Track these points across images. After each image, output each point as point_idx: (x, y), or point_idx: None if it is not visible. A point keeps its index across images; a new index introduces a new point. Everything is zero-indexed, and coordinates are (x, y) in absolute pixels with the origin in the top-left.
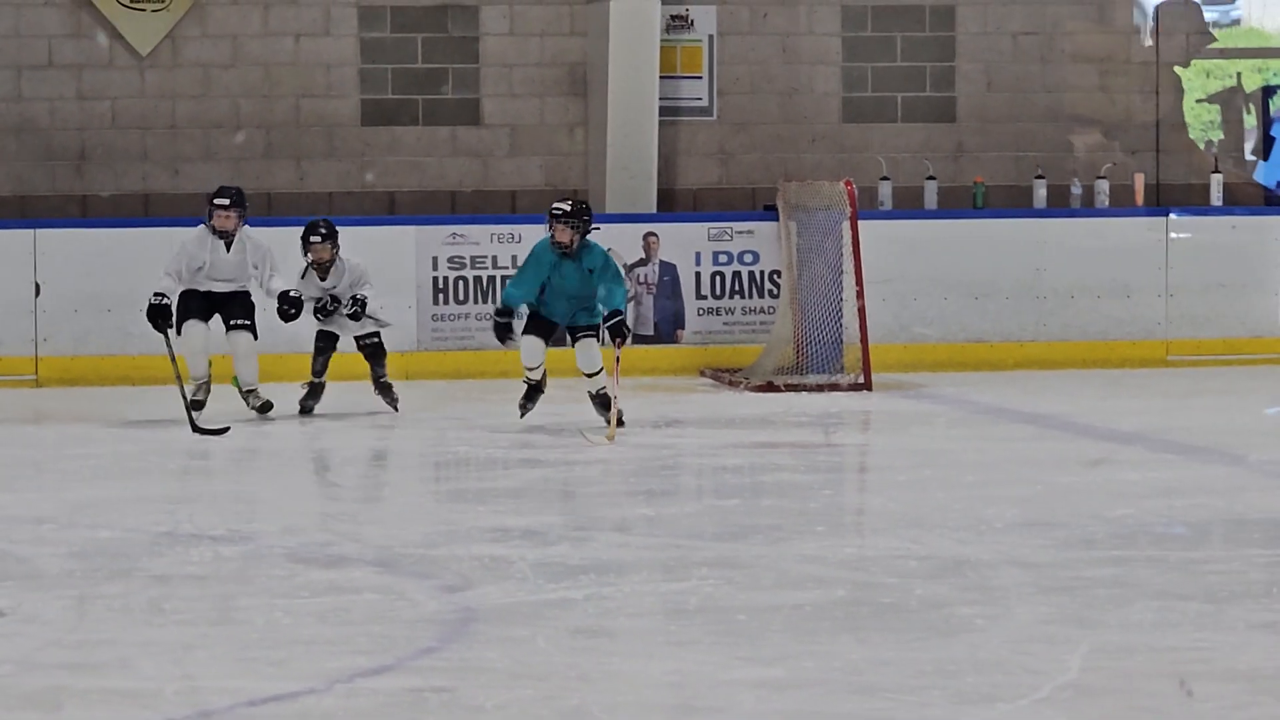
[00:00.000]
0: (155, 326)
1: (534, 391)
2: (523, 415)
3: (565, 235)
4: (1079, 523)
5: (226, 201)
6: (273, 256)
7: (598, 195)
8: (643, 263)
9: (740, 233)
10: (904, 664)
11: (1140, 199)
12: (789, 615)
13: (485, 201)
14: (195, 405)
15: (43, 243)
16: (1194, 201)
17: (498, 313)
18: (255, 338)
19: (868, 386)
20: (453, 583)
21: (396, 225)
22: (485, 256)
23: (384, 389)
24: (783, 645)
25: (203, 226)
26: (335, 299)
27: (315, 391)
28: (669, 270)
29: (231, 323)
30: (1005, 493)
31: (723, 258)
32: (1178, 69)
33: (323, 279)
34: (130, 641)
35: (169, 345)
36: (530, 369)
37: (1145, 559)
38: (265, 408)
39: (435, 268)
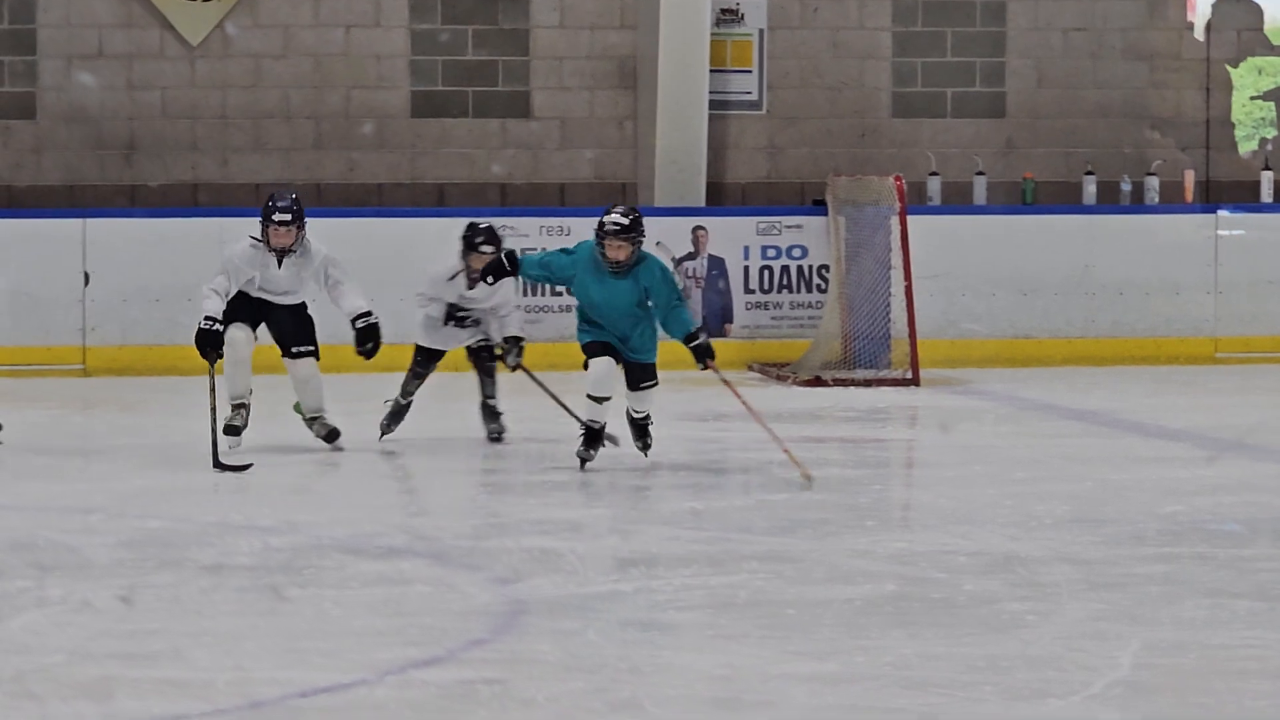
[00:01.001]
0: (204, 355)
1: (597, 435)
2: (584, 466)
3: (623, 253)
4: (1129, 519)
5: (289, 218)
6: (340, 264)
7: (646, 188)
8: (691, 256)
9: (789, 227)
10: (955, 659)
11: (1190, 196)
12: (839, 610)
13: (535, 194)
14: (231, 430)
15: (92, 232)
16: (1244, 199)
17: (508, 256)
18: (318, 359)
19: (915, 382)
20: (503, 575)
21: (446, 217)
22: (535, 249)
23: (491, 414)
24: (833, 640)
25: (250, 240)
26: (474, 321)
27: (399, 414)
28: (717, 264)
29: (293, 350)
30: (1054, 489)
31: (771, 252)
32: (1229, 66)
33: (470, 288)
34: (181, 632)
35: (212, 376)
36: (597, 399)
37: (1195, 556)
38: (332, 435)
39: None
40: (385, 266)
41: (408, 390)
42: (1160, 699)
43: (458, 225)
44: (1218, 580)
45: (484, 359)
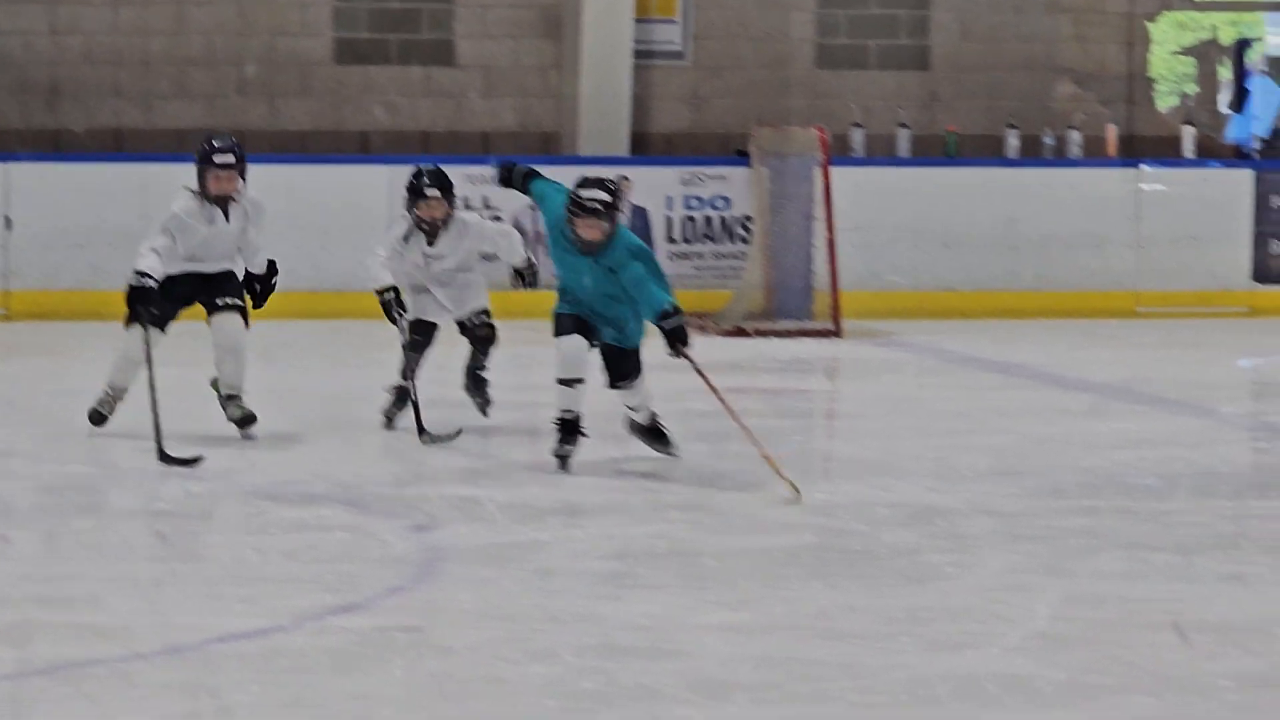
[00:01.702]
0: (134, 314)
1: (572, 428)
2: (564, 465)
3: (597, 232)
4: (1049, 472)
5: (230, 159)
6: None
7: (570, 138)
8: None
9: (712, 178)
10: (874, 610)
11: (1112, 150)
12: (758, 560)
13: (457, 142)
14: (95, 417)
15: (15, 177)
16: (1166, 154)
17: (505, 168)
18: (247, 325)
19: (837, 333)
20: (422, 523)
21: (369, 165)
22: (457, 197)
23: (479, 385)
24: (752, 590)
25: (189, 193)
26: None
27: (403, 397)
28: (640, 214)
29: (219, 302)
30: (975, 441)
31: (694, 202)
32: (1148, 22)
33: (430, 243)
34: (99, 577)
35: (146, 343)
36: (567, 382)
37: (1115, 509)
38: (247, 420)
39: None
40: (308, 214)
41: (407, 370)
42: (1077, 651)
43: (380, 173)
44: (1136, 534)
45: (478, 329)
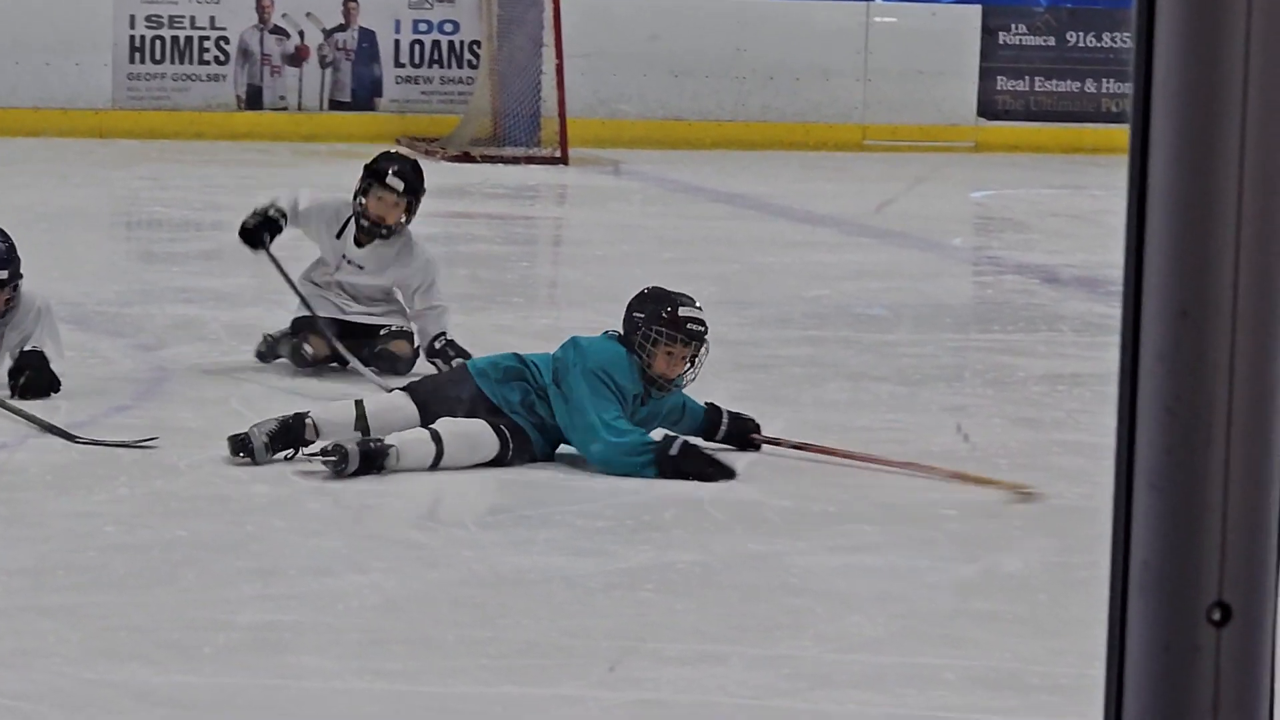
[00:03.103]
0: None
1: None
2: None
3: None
4: (775, 302)
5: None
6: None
7: None
8: (342, 28)
9: (441, 1)
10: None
11: None
12: None
13: None
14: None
15: None
16: None
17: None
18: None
19: (564, 160)
20: (147, 342)
21: None
22: (183, 16)
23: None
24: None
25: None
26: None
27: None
28: (368, 37)
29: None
30: (702, 270)
31: (422, 26)
32: None
33: (359, 245)
34: None
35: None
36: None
37: (840, 340)
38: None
39: (133, 26)
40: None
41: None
42: (803, 480)
43: None
44: (861, 364)
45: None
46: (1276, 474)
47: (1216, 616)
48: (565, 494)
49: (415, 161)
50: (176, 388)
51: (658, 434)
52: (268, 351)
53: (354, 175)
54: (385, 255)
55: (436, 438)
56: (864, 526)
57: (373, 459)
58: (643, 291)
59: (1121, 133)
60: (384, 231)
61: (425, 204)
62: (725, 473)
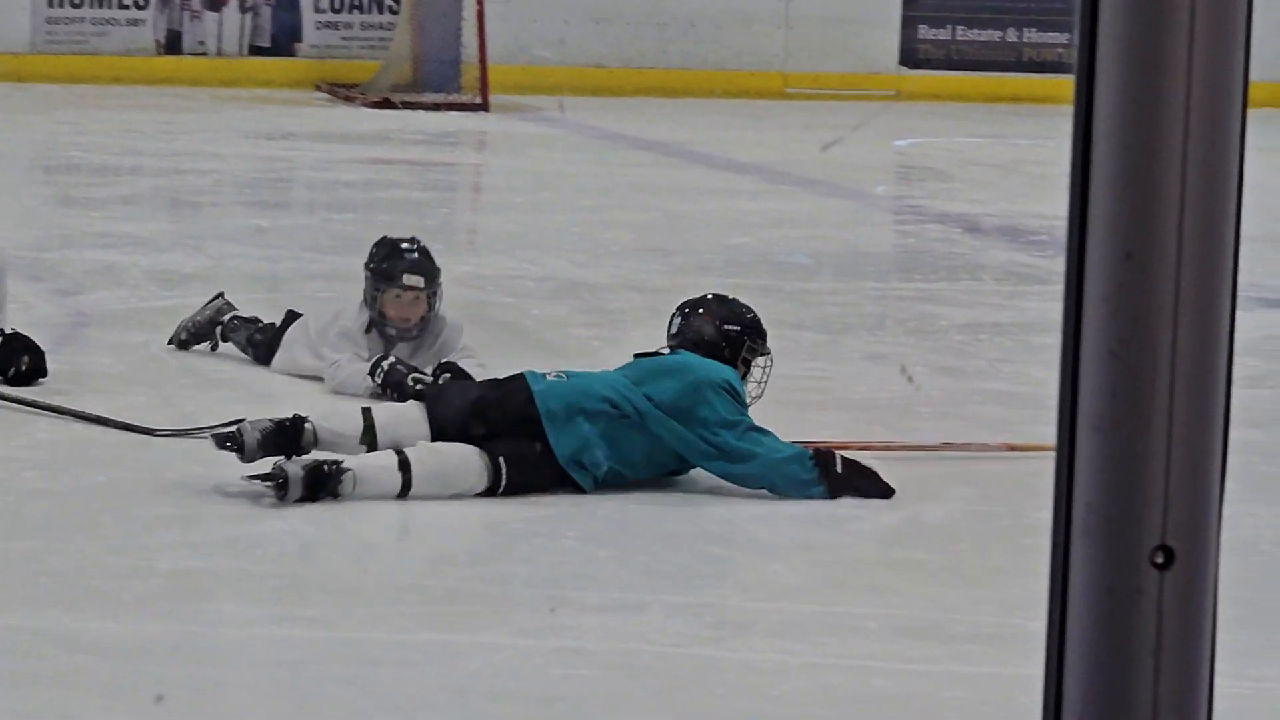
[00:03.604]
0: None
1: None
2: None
3: None
4: (695, 249)
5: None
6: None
7: None
8: None
9: None
10: None
11: None
12: None
13: None
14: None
15: None
16: None
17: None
18: None
19: (485, 107)
20: (65, 287)
21: None
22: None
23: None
24: None
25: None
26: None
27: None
28: None
29: None
30: (623, 217)
31: None
32: None
33: (388, 345)
34: None
35: None
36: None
37: (761, 287)
38: None
39: None
40: None
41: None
42: None
43: None
44: (783, 312)
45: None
46: (1220, 417)
47: (1159, 560)
48: None
49: (421, 244)
50: (96, 333)
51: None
52: (189, 339)
53: (274, 122)
54: (423, 351)
55: (405, 466)
56: None
57: (322, 484)
58: (723, 301)
59: (1042, 82)
60: (412, 333)
61: (345, 150)
62: (885, 490)
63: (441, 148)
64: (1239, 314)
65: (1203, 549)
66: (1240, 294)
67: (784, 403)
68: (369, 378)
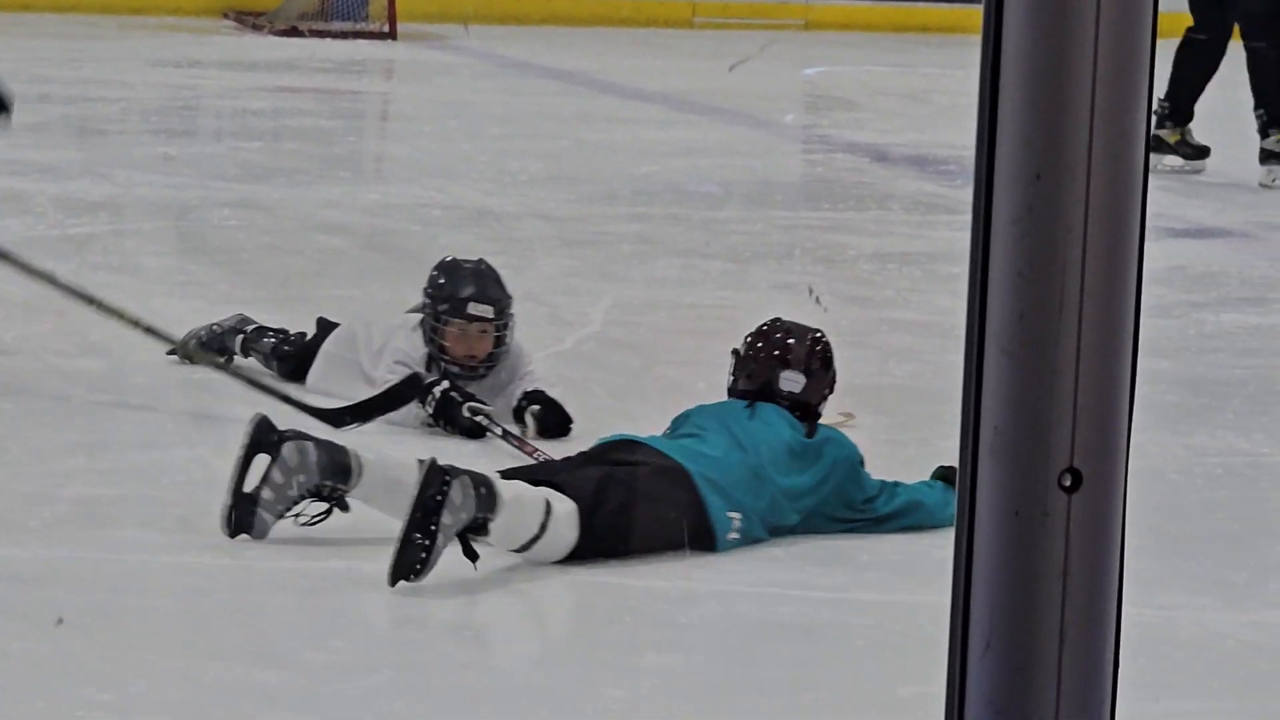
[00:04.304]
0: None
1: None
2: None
3: None
4: (603, 179)
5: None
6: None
7: None
8: None
9: None
10: None
11: None
12: (311, 259)
13: None
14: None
15: None
16: None
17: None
18: None
19: (393, 35)
20: None
21: None
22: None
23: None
24: (305, 288)
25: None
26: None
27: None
28: None
29: None
30: (530, 146)
31: None
32: None
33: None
34: None
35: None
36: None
37: (669, 217)
38: None
39: None
40: None
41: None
42: (629, 354)
43: None
44: (690, 240)
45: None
46: (1129, 340)
47: (1067, 482)
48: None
49: (487, 265)
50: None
51: None
52: (200, 349)
53: (181, 50)
54: (491, 387)
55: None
56: (687, 403)
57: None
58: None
59: (951, 11)
60: (480, 371)
61: (252, 79)
62: None
63: (349, 76)
64: (1148, 245)
65: (1111, 472)
66: (1150, 225)
67: (691, 331)
68: (419, 406)
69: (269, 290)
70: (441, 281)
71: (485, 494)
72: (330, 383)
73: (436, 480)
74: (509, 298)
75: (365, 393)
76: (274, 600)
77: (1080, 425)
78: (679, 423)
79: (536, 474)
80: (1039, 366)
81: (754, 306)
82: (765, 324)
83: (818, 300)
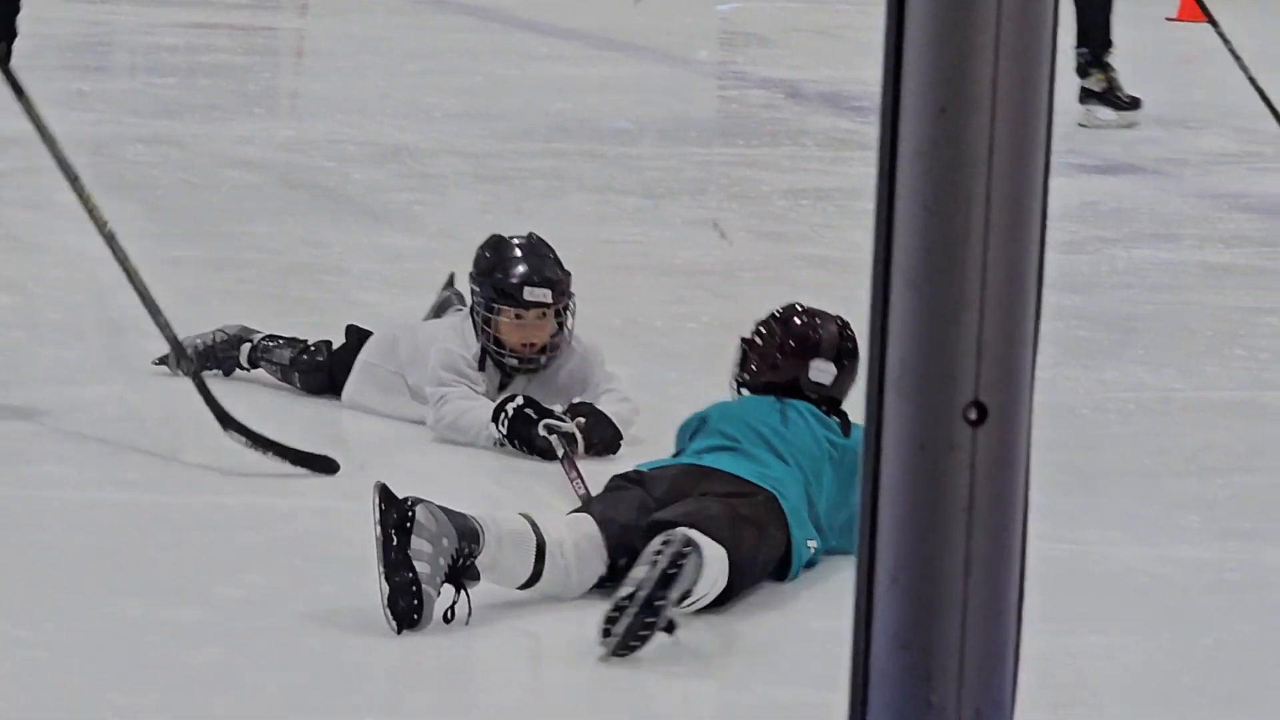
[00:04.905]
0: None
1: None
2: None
3: None
4: (518, 115)
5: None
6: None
7: None
8: None
9: None
10: (342, 245)
11: None
12: (226, 195)
13: None
14: None
15: None
16: None
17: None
18: None
19: None
20: None
21: None
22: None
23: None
24: (219, 224)
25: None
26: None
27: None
28: None
29: None
30: (444, 82)
31: None
32: None
33: (503, 386)
34: None
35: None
36: None
37: (583, 153)
38: None
39: None
40: None
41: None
42: None
43: None
44: (604, 177)
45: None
46: (1034, 274)
47: (972, 416)
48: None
49: (538, 238)
50: None
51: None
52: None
53: None
54: (548, 384)
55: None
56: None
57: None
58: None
59: None
60: (538, 362)
61: (166, 14)
62: None
63: (263, 12)
64: (1059, 181)
65: (1016, 405)
66: (1060, 160)
67: (605, 267)
68: (492, 425)
69: (184, 226)
70: (490, 262)
71: (692, 563)
72: (369, 397)
73: (673, 556)
74: (567, 275)
75: (409, 408)
76: (188, 536)
77: (985, 359)
78: (699, 427)
79: (662, 515)
80: (944, 300)
81: (667, 243)
82: (780, 310)
83: (723, 234)
